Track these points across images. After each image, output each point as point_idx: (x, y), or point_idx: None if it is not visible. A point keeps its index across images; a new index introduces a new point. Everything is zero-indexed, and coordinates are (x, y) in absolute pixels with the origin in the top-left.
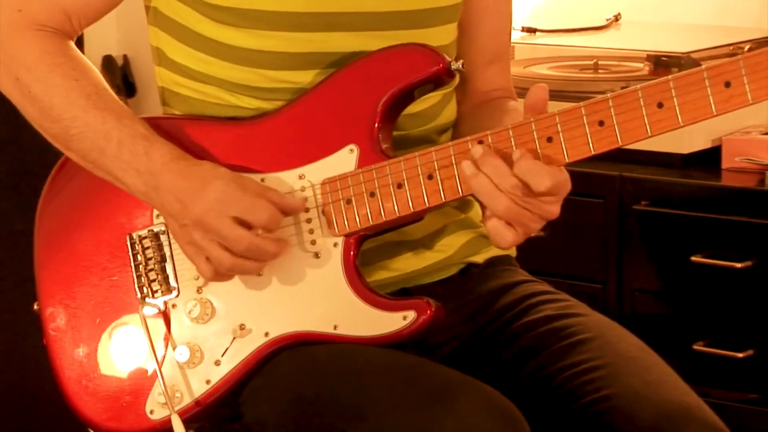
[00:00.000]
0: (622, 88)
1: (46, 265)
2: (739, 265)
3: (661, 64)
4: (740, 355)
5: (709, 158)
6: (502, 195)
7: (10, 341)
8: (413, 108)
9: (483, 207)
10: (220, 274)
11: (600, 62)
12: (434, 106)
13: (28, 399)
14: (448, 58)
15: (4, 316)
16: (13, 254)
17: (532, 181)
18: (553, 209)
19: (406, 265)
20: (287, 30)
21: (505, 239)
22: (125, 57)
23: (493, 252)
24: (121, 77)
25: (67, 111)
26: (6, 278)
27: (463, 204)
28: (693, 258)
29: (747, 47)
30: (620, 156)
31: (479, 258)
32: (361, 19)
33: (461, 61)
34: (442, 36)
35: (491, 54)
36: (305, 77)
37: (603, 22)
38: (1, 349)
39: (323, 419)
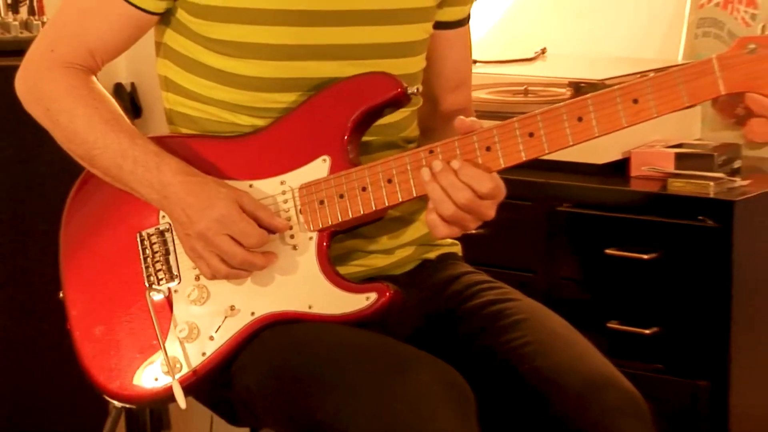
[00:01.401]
0: None
1: (70, 259)
2: (646, 257)
3: (581, 89)
4: (647, 331)
5: (620, 168)
6: (451, 202)
7: (8, 342)
8: (388, 119)
9: (428, 202)
10: (217, 278)
11: (529, 88)
12: (404, 119)
13: (26, 399)
14: (405, 84)
15: (2, 316)
16: (35, 254)
17: (477, 185)
18: (491, 212)
19: (376, 262)
20: (281, 59)
21: (440, 232)
22: (132, 84)
23: (443, 250)
24: (129, 101)
25: (90, 134)
26: (5, 278)
27: (421, 222)
28: (607, 251)
29: (651, 74)
30: (547, 165)
31: (432, 255)
32: (344, 50)
33: (416, 86)
34: (411, 65)
35: (455, 81)
36: (294, 98)
37: (532, 55)
38: (1, 349)
39: (300, 387)
